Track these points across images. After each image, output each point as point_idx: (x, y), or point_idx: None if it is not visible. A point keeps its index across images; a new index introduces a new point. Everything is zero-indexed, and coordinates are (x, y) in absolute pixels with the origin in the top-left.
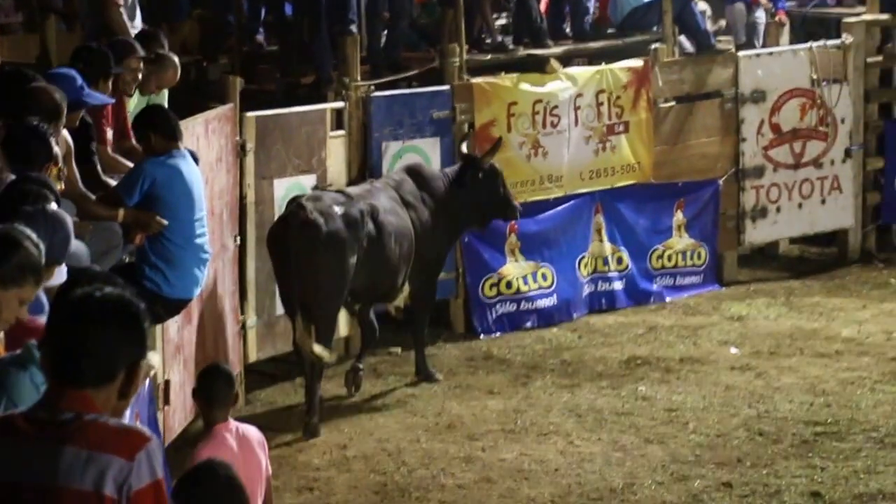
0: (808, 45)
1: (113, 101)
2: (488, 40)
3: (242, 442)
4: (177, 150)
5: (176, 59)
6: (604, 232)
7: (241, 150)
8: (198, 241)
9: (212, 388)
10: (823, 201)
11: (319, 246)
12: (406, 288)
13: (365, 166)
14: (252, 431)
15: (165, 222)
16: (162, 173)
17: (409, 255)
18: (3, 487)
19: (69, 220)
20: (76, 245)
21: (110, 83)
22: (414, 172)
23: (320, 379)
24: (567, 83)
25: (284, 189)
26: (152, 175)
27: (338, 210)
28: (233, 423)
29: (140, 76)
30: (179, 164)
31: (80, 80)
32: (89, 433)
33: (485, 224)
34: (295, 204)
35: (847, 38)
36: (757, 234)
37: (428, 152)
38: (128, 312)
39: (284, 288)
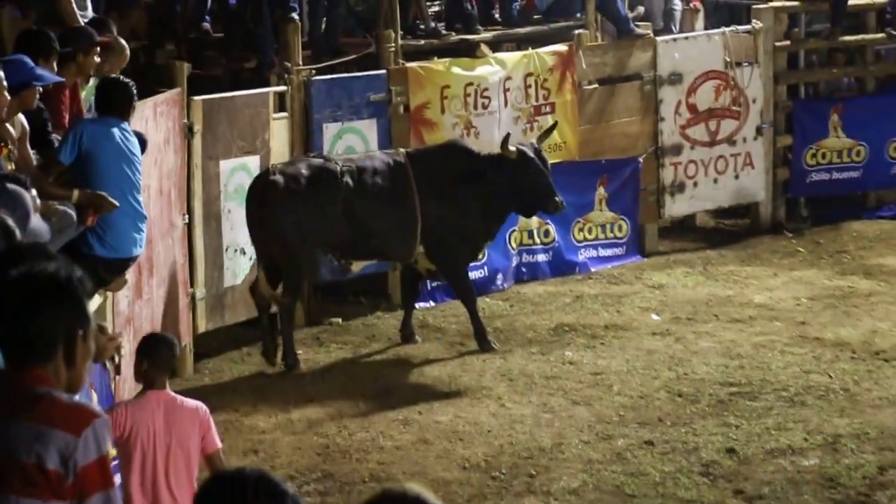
0: (721, 30)
1: (62, 79)
2: (422, 26)
3: (171, 412)
4: (113, 119)
5: (125, 42)
6: None
7: (188, 132)
8: (133, 202)
9: (151, 353)
10: (737, 176)
11: (277, 202)
12: (420, 250)
13: (306, 147)
14: (188, 406)
15: (117, 203)
16: (91, 129)
17: (408, 221)
18: None
19: (28, 199)
20: (38, 224)
21: (54, 64)
22: (446, 149)
23: (292, 320)
24: (497, 67)
25: (230, 169)
26: (81, 130)
27: (305, 172)
28: (170, 394)
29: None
30: (112, 127)
31: (30, 63)
32: (41, 409)
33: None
34: (267, 167)
35: (757, 24)
36: (676, 207)
37: (365, 133)
38: (55, 287)
39: (255, 242)
